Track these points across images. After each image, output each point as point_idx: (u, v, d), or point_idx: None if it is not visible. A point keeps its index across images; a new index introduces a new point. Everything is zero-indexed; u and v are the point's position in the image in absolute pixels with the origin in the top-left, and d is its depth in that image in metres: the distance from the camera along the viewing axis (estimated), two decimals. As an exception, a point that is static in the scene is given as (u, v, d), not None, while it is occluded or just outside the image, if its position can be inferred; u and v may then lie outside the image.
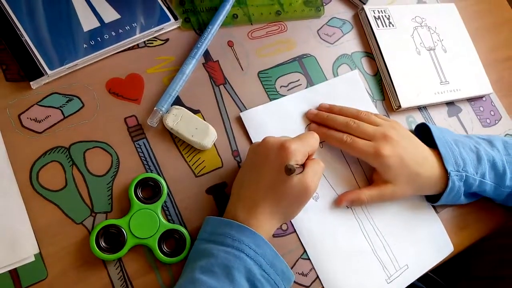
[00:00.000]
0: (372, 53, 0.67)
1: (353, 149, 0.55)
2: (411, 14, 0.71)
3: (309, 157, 0.50)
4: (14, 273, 0.43)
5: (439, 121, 0.67)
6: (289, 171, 0.43)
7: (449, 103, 0.69)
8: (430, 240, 0.60)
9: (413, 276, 0.57)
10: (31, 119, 0.48)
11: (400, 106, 0.64)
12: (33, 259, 0.44)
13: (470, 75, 0.71)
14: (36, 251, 0.44)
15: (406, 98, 0.64)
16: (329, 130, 0.58)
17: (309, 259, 0.53)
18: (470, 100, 0.71)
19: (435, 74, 0.68)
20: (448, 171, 0.54)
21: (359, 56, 0.66)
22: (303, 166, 0.49)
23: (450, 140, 0.57)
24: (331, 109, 0.60)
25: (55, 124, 0.49)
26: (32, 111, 0.49)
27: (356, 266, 0.55)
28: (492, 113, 0.72)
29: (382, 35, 0.67)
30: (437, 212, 0.61)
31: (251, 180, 0.48)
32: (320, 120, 0.59)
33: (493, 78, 0.73)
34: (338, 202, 0.56)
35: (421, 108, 0.67)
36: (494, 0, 0.82)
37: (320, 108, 0.60)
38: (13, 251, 0.43)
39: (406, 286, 0.56)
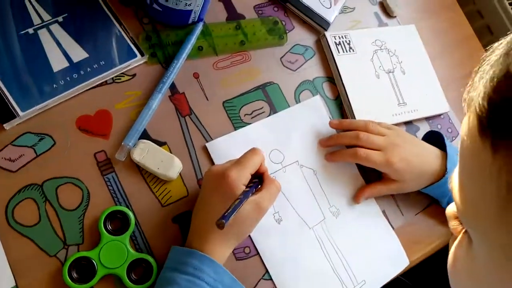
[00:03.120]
0: (333, 77, 0.71)
1: (368, 162, 0.62)
2: (371, 38, 0.75)
3: (265, 175, 0.55)
4: (-8, 306, 0.47)
5: (397, 141, 0.71)
6: (218, 226, 0.42)
7: (408, 122, 0.73)
8: (387, 255, 0.64)
9: (370, 291, 0.62)
10: (5, 159, 0.52)
11: (358, 129, 0.68)
12: (9, 291, 0.48)
13: (428, 95, 0.75)
14: (13, 284, 0.48)
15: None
16: (341, 150, 0.65)
17: (271, 279, 0.57)
18: (428, 118, 0.75)
19: (393, 96, 0.72)
20: (448, 167, 0.61)
21: (320, 81, 0.70)
22: (258, 180, 0.53)
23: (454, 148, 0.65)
24: (340, 124, 0.66)
25: (28, 162, 0.53)
26: (6, 151, 0.52)
27: (316, 283, 0.59)
28: (450, 130, 0.76)
29: (342, 60, 0.71)
30: (393, 227, 0.65)
31: (203, 210, 0.52)
32: (335, 137, 0.65)
33: (453, 95, 0.77)
34: (356, 200, 0.64)
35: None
36: (454, 18, 0.86)
37: (330, 124, 0.66)
38: (-9, 286, 0.47)
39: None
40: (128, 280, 0.51)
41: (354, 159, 0.63)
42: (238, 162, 0.52)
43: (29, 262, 0.49)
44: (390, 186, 0.64)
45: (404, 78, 0.74)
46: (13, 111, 0.52)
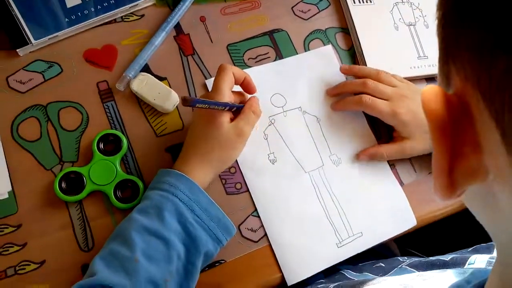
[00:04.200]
0: (348, 28, 0.69)
1: (373, 109, 0.59)
2: (393, -10, 0.72)
3: (247, 103, 0.54)
4: (-11, 207, 0.52)
5: (413, 95, 0.67)
6: (185, 100, 0.43)
7: (430, 79, 0.69)
8: (391, 212, 0.60)
9: (367, 244, 0.58)
10: (16, 81, 0.57)
11: (370, 79, 0.65)
12: (6, 196, 0.52)
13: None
14: (9, 189, 0.52)
15: (377, 71, 0.65)
16: (347, 97, 0.62)
17: (259, 216, 0.57)
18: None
19: (413, 48, 0.68)
20: None
21: (333, 31, 0.68)
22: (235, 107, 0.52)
23: None
24: (351, 70, 0.63)
25: (36, 86, 0.57)
26: (18, 75, 0.57)
27: (307, 228, 0.57)
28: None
29: (358, 11, 0.68)
30: (402, 184, 0.61)
31: (188, 136, 0.53)
32: (342, 85, 0.63)
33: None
34: (357, 157, 0.61)
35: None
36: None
37: (341, 69, 0.64)
38: (-10, 188, 0.52)
39: (357, 252, 0.58)
40: (114, 198, 0.53)
41: (359, 106, 0.60)
42: (220, 75, 0.51)
43: (26, 173, 0.53)
44: (402, 145, 0.59)
45: (427, 32, 0.70)
46: (27, 38, 0.57)
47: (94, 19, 0.60)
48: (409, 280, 0.42)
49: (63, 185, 0.53)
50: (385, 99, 0.58)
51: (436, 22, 0.22)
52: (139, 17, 0.63)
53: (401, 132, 0.59)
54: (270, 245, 0.56)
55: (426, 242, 0.75)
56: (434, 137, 0.22)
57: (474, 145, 0.21)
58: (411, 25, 0.70)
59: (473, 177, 0.22)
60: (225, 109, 0.50)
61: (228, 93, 0.51)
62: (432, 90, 0.22)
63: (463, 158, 0.21)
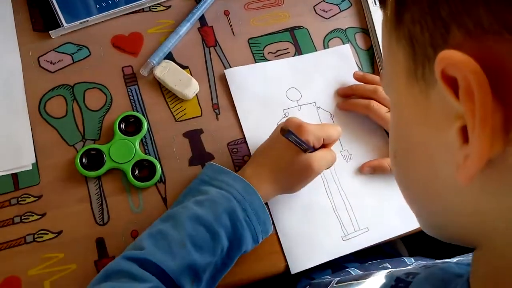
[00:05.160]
0: (367, 29, 0.70)
1: (378, 116, 0.60)
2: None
3: (326, 146, 0.55)
4: (14, 177, 0.55)
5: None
6: (283, 131, 0.46)
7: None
8: (399, 211, 0.60)
9: (372, 240, 0.59)
10: (47, 61, 0.60)
11: (386, 79, 0.66)
12: (30, 167, 0.55)
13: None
14: (33, 161, 0.55)
15: (394, 72, 0.66)
16: (356, 99, 0.63)
17: (267, 205, 0.58)
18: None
19: (431, 52, 0.69)
20: None
21: (353, 31, 0.70)
22: (315, 149, 0.54)
23: None
24: (364, 77, 0.65)
25: (65, 66, 0.60)
26: (48, 55, 0.60)
27: (313, 219, 0.58)
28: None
29: (379, 12, 0.70)
30: (413, 183, 0.62)
31: (266, 148, 0.55)
32: (353, 87, 0.64)
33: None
34: (361, 169, 0.61)
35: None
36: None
37: (354, 75, 0.65)
38: (16, 159, 0.55)
39: (362, 247, 0.58)
40: (131, 176, 0.55)
41: (366, 110, 0.61)
42: (319, 124, 0.55)
43: (50, 147, 0.56)
44: None
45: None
46: (59, 21, 0.60)
47: (123, 7, 0.63)
48: (413, 270, 0.43)
49: (84, 160, 0.55)
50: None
51: None
52: (166, 8, 0.66)
53: None
54: (277, 234, 0.57)
55: (434, 246, 0.75)
56: (480, 91, 0.18)
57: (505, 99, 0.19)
58: (430, 29, 0.71)
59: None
60: (307, 151, 0.52)
61: (313, 141, 0.52)
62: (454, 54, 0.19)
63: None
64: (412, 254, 0.77)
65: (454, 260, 0.50)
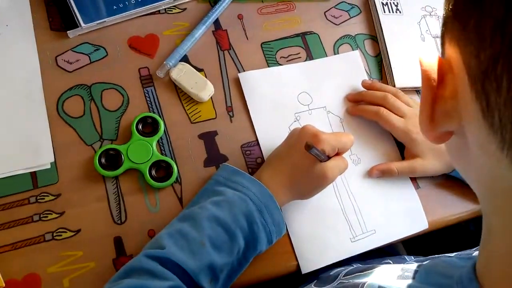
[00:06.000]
0: (376, 36, 0.72)
1: (387, 122, 0.62)
2: (421, 3, 0.75)
3: (338, 154, 0.57)
4: (33, 175, 0.55)
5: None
6: (308, 147, 0.48)
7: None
8: (404, 214, 0.62)
9: (380, 242, 0.61)
10: (64, 61, 0.61)
11: (394, 86, 0.68)
12: (49, 166, 0.56)
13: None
14: (52, 160, 0.56)
15: (401, 78, 0.68)
16: (366, 105, 0.65)
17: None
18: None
19: (437, 60, 0.71)
20: None
21: (362, 38, 0.72)
22: (329, 158, 0.55)
23: None
24: (372, 85, 0.66)
25: (82, 66, 0.61)
26: (66, 55, 0.61)
27: (323, 221, 0.60)
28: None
29: (387, 20, 0.72)
30: (419, 187, 0.64)
31: (283, 154, 0.56)
32: (363, 94, 0.66)
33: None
34: (369, 172, 0.63)
35: (419, 91, 0.70)
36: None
37: (362, 83, 0.67)
38: (35, 158, 0.55)
39: (369, 248, 0.60)
40: (148, 176, 0.56)
41: (375, 116, 0.63)
42: (333, 133, 0.55)
43: (68, 146, 0.57)
44: (412, 163, 0.61)
45: (451, 45, 0.73)
46: (77, 21, 0.61)
47: (139, 9, 0.64)
48: (414, 266, 0.45)
49: (103, 160, 0.56)
50: (400, 116, 0.61)
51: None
52: (182, 10, 0.67)
53: (410, 149, 0.62)
54: (288, 234, 0.59)
55: (432, 246, 0.77)
56: (425, 78, 0.29)
57: (453, 92, 0.28)
58: (437, 37, 0.73)
59: (449, 118, 0.28)
60: (322, 160, 0.53)
61: (329, 151, 0.54)
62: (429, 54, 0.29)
63: (442, 100, 0.28)
64: (409, 254, 0.79)
65: (453, 255, 0.52)
